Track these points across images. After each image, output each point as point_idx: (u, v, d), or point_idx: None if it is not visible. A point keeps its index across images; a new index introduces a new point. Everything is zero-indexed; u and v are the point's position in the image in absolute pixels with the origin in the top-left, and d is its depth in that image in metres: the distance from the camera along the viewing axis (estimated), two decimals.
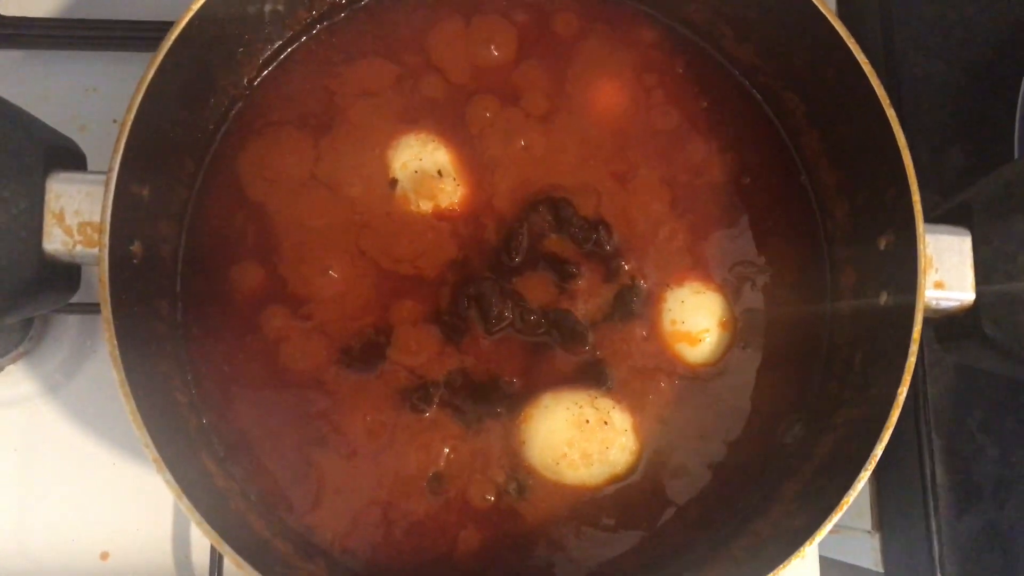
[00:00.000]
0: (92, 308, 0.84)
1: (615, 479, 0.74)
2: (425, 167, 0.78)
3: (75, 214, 0.64)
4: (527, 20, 0.83)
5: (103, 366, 0.88)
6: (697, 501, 0.75)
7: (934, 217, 0.69)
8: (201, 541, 0.86)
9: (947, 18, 0.92)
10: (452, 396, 0.74)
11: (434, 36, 0.82)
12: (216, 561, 0.80)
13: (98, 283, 0.63)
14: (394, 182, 0.78)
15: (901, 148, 0.66)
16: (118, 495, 0.85)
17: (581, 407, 0.74)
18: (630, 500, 0.74)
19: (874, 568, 0.90)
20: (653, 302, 0.77)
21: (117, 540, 0.85)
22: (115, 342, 0.61)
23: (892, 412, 0.63)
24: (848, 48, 0.68)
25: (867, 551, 0.90)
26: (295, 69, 0.80)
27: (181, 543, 0.86)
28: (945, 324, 0.70)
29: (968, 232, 0.68)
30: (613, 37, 0.83)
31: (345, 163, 0.78)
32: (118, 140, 0.63)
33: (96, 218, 0.63)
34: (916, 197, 0.65)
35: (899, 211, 0.67)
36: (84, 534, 0.85)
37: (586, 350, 0.75)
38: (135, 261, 0.67)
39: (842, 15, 0.92)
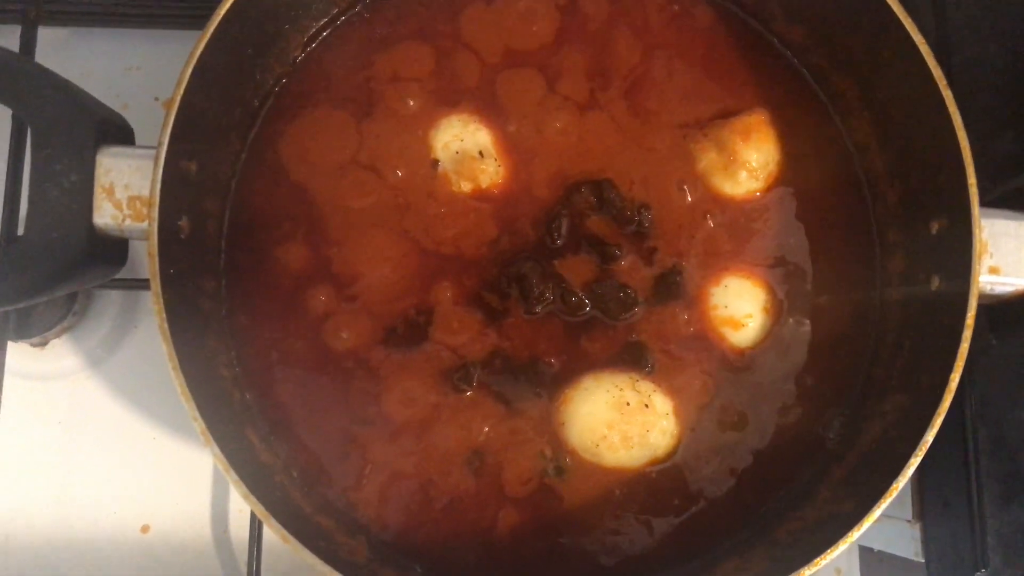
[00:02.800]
0: (135, 284, 0.85)
1: (655, 462, 0.74)
2: (467, 148, 0.77)
3: (125, 188, 0.64)
4: (568, 1, 0.82)
5: (145, 341, 0.89)
6: (738, 486, 0.74)
7: (988, 201, 0.67)
8: (240, 515, 0.86)
9: (1002, 1, 0.89)
10: (492, 376, 0.74)
11: (475, 16, 0.81)
12: (255, 535, 0.81)
13: (147, 257, 0.63)
14: (436, 163, 0.78)
15: (957, 130, 0.64)
16: (158, 469, 0.87)
17: (622, 390, 0.73)
18: (670, 483, 0.74)
19: (914, 558, 0.89)
20: (696, 285, 0.77)
21: (157, 513, 0.86)
22: (164, 315, 0.61)
23: (944, 398, 0.62)
24: (905, 29, 0.67)
25: (907, 541, 0.89)
26: (339, 47, 0.80)
27: (220, 517, 0.87)
28: (998, 310, 0.69)
29: None
30: (658, 18, 0.82)
31: (387, 144, 0.78)
32: (167, 114, 0.64)
33: (145, 192, 0.63)
34: (972, 180, 0.64)
35: (953, 195, 0.66)
36: (125, 507, 0.86)
37: (634, 315, 0.74)
38: (182, 236, 0.67)
39: None
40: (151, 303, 0.87)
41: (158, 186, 0.62)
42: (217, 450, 0.60)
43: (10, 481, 0.86)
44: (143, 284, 0.85)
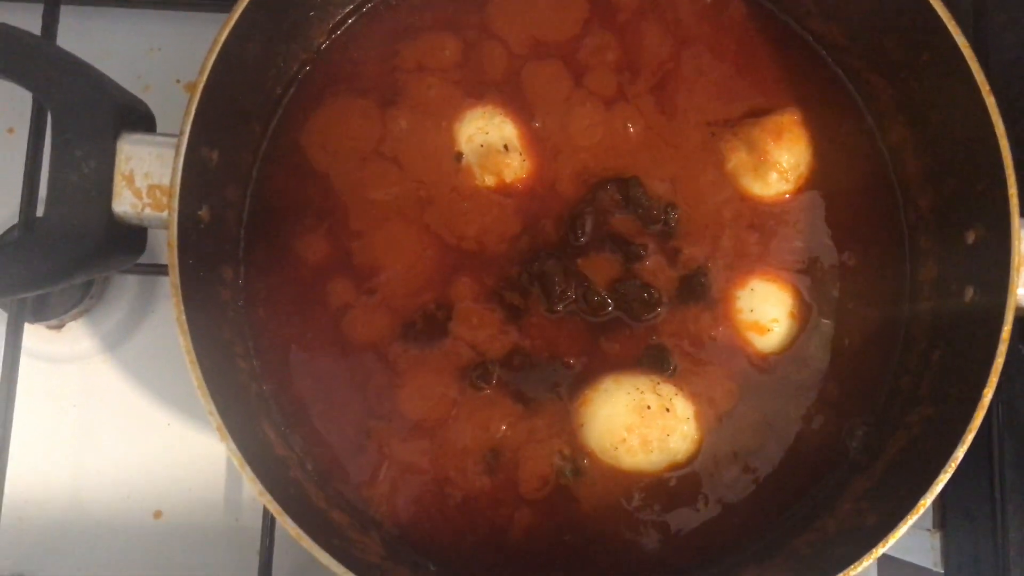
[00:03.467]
0: (152, 269, 0.84)
1: (674, 467, 0.73)
2: (491, 141, 0.76)
3: (145, 176, 0.63)
4: None
5: (161, 326, 0.89)
6: (758, 493, 0.73)
7: None
8: (253, 503, 0.86)
9: None
10: (511, 374, 0.73)
11: (503, 5, 0.80)
12: (268, 524, 0.80)
13: (166, 247, 0.62)
14: (459, 156, 0.76)
15: (1000, 138, 0.62)
16: (172, 455, 0.86)
17: (643, 392, 0.72)
18: (688, 489, 0.73)
19: (933, 568, 0.87)
20: (721, 288, 0.75)
21: (170, 499, 0.86)
22: (182, 307, 0.60)
23: (976, 414, 0.61)
24: (948, 31, 0.65)
25: (927, 550, 0.88)
26: (364, 36, 0.79)
27: (233, 504, 0.86)
28: None
29: None
30: (689, 11, 0.80)
31: (410, 135, 0.77)
32: (190, 103, 0.63)
33: (166, 181, 0.62)
34: (1013, 191, 0.62)
35: (991, 204, 0.64)
36: (138, 492, 0.86)
37: (657, 316, 0.73)
38: (202, 226, 0.66)
39: None
40: (168, 290, 0.88)
41: (179, 175, 0.61)
42: (233, 446, 0.59)
43: (25, 463, 0.85)
44: (161, 269, 0.84)
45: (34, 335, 0.87)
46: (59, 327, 0.88)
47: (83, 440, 0.87)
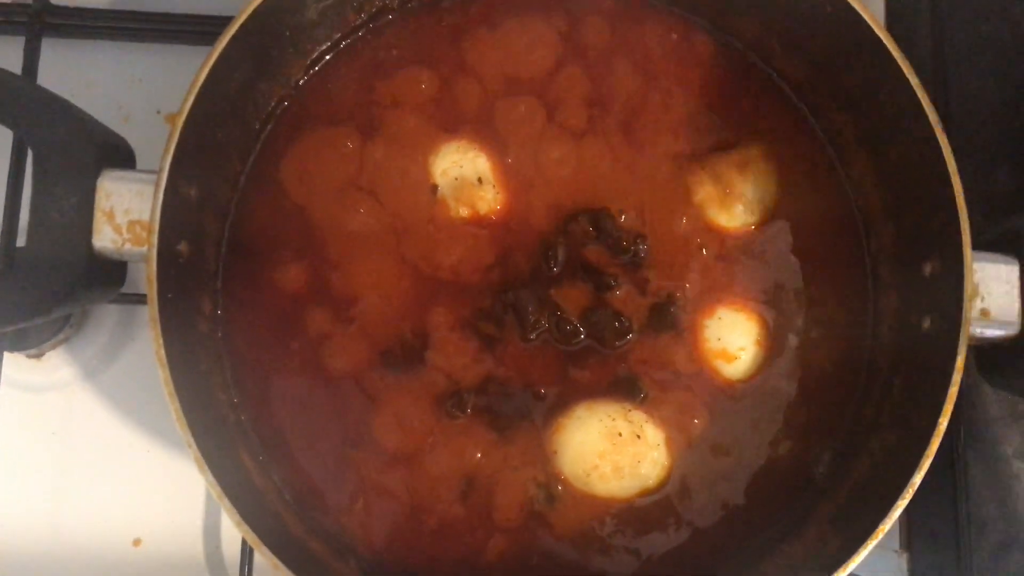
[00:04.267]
0: (132, 298, 0.85)
1: (645, 493, 0.74)
2: (465, 174, 0.78)
3: (125, 212, 0.64)
4: (568, 30, 0.82)
5: (140, 355, 0.90)
6: (727, 518, 0.75)
7: (981, 243, 0.68)
8: (232, 531, 0.86)
9: (1000, 36, 0.90)
10: (486, 403, 0.75)
11: (478, 42, 0.82)
12: (247, 552, 0.81)
13: (145, 281, 0.63)
14: (435, 188, 0.78)
15: (951, 175, 0.65)
16: (151, 482, 0.87)
17: (614, 419, 0.74)
18: (659, 515, 0.74)
19: None
20: (690, 317, 0.77)
21: (149, 527, 0.86)
22: (161, 341, 0.61)
23: (932, 441, 0.62)
24: (901, 71, 0.67)
25: (894, 571, 0.89)
26: (341, 71, 0.81)
27: (212, 532, 0.87)
28: (989, 353, 0.70)
29: (1016, 261, 0.67)
30: (658, 48, 0.83)
31: (386, 169, 0.78)
32: (169, 140, 0.64)
33: (145, 217, 0.64)
34: (965, 226, 0.65)
35: (946, 237, 0.67)
36: (117, 520, 0.86)
37: (628, 343, 0.75)
38: (181, 260, 0.68)
39: (891, 30, 0.90)
40: (148, 321, 0.89)
41: (158, 211, 0.63)
42: (211, 477, 0.60)
43: (3, 492, 0.86)
44: (141, 299, 0.85)
45: (13, 364, 0.87)
46: (38, 356, 0.89)
47: (62, 468, 0.87)
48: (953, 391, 0.62)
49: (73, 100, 0.68)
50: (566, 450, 0.73)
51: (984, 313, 0.66)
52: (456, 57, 0.81)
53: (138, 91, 0.94)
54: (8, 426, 0.86)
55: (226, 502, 0.60)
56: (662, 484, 0.74)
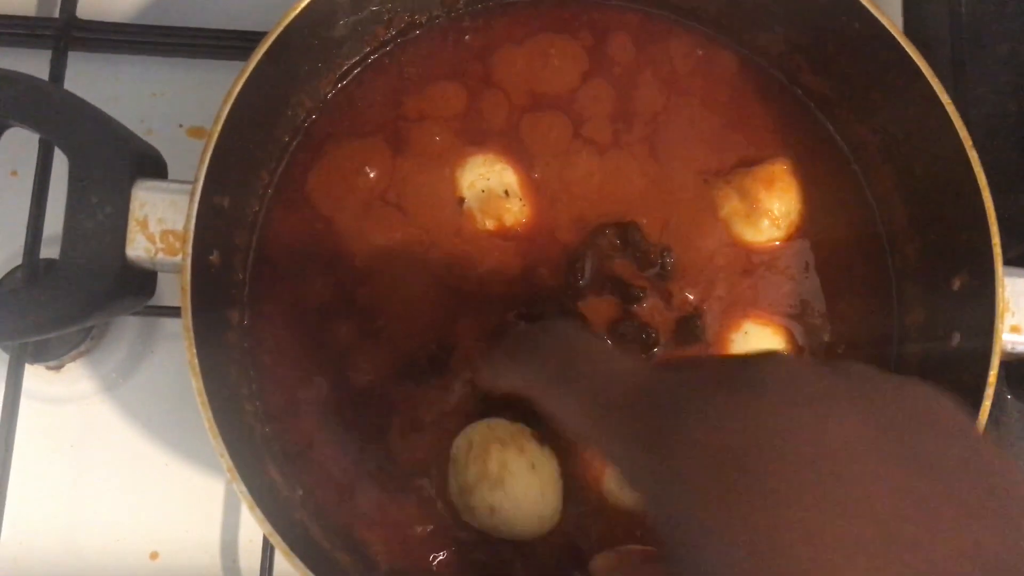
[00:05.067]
0: (154, 311, 0.85)
1: None
2: (492, 187, 0.78)
3: (158, 222, 0.64)
4: (593, 45, 0.83)
5: (160, 368, 0.89)
6: None
7: (1009, 259, 0.68)
8: (250, 544, 0.86)
9: (1021, 56, 0.91)
10: (514, 416, 0.74)
11: (506, 56, 0.82)
12: (266, 565, 0.80)
13: (176, 290, 0.63)
14: (461, 201, 0.79)
15: (982, 190, 0.65)
16: (169, 496, 0.86)
17: None
18: None
19: None
20: (716, 330, 0.77)
21: (167, 541, 0.86)
22: (194, 351, 0.61)
23: None
24: (931, 87, 0.68)
25: None
26: (370, 85, 0.81)
27: (230, 546, 0.86)
28: (1015, 368, 0.70)
29: None
30: (683, 63, 0.83)
31: (413, 182, 0.79)
32: (204, 150, 0.64)
33: (179, 227, 0.64)
34: (996, 240, 0.65)
35: (975, 253, 0.67)
36: (134, 533, 0.85)
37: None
38: (212, 270, 0.68)
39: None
40: (171, 331, 0.89)
41: (193, 221, 0.63)
42: (243, 487, 0.60)
43: (21, 503, 0.85)
44: (162, 311, 0.85)
45: (33, 376, 0.87)
46: (58, 368, 0.89)
47: (80, 480, 0.87)
48: (986, 405, 0.62)
49: None
50: (598, 462, 0.73)
51: (1015, 328, 0.66)
52: (483, 72, 0.82)
53: (160, 105, 0.94)
54: (27, 438, 0.85)
55: (258, 512, 0.60)
56: None
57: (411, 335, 0.76)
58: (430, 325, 0.76)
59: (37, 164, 0.82)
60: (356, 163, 0.79)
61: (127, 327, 0.90)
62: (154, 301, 0.84)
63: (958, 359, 0.69)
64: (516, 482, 0.69)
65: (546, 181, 0.79)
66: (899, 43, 0.69)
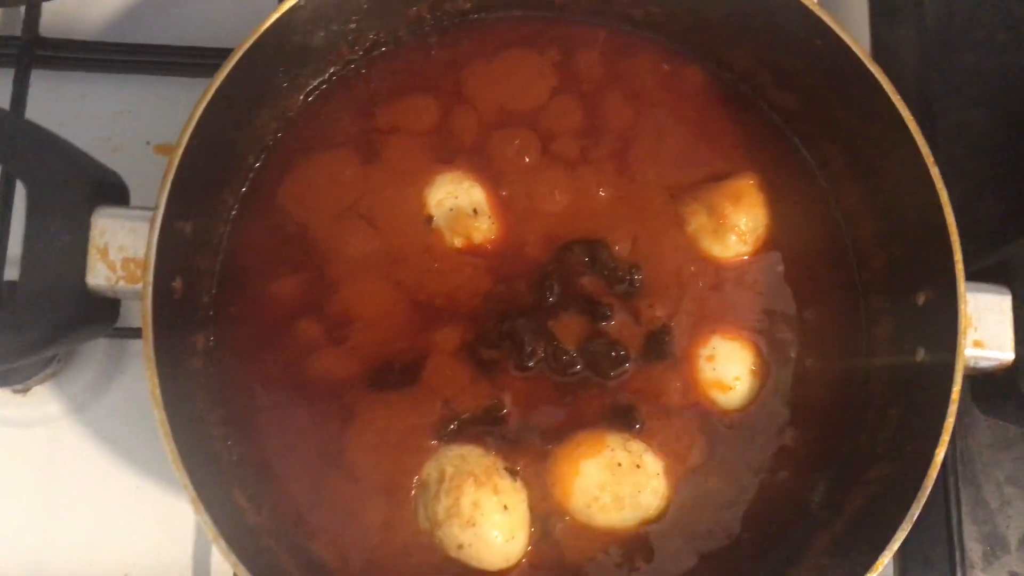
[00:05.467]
0: (121, 332, 0.84)
1: (646, 523, 0.74)
2: (460, 205, 0.78)
3: (119, 250, 0.64)
4: (561, 61, 0.83)
5: (129, 388, 0.89)
6: (726, 549, 0.74)
7: (971, 272, 0.69)
8: (222, 566, 0.85)
9: (985, 66, 0.92)
10: (481, 432, 0.74)
11: (476, 73, 0.82)
12: None
13: (134, 315, 0.63)
14: (430, 219, 0.78)
15: (944, 207, 0.66)
16: (140, 517, 0.85)
17: (613, 450, 0.73)
18: (659, 545, 0.74)
19: None
20: (685, 346, 0.77)
21: (138, 562, 0.85)
22: (156, 380, 0.61)
23: (929, 472, 0.63)
24: (892, 103, 0.68)
25: None
26: (334, 103, 0.81)
27: (202, 567, 0.86)
28: (982, 382, 0.70)
29: (1008, 291, 0.68)
30: (650, 79, 0.83)
31: (382, 198, 0.79)
32: (165, 177, 0.64)
33: (140, 254, 0.63)
34: (958, 256, 0.65)
35: (939, 268, 0.67)
36: (105, 555, 0.85)
37: (624, 372, 0.75)
38: (175, 297, 0.67)
39: (878, 60, 0.91)
40: (140, 351, 0.87)
41: (154, 249, 0.62)
42: (207, 518, 0.59)
43: None
44: (131, 333, 0.84)
45: None
46: (25, 391, 0.88)
47: (50, 504, 0.86)
48: (950, 421, 0.63)
49: (63, 131, 0.67)
50: (566, 481, 0.73)
51: (978, 343, 0.67)
52: (452, 88, 0.82)
53: (127, 122, 0.94)
54: None
55: (221, 542, 0.59)
56: (662, 514, 0.74)
57: (382, 351, 0.76)
58: (399, 339, 0.76)
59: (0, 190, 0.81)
60: (326, 175, 0.79)
61: (95, 349, 0.89)
62: (122, 323, 0.83)
63: (924, 373, 0.69)
64: (488, 524, 0.69)
65: (514, 199, 0.79)
66: (860, 59, 0.69)
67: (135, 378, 0.89)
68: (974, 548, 0.85)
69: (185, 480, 0.59)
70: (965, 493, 0.86)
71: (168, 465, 0.74)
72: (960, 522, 0.85)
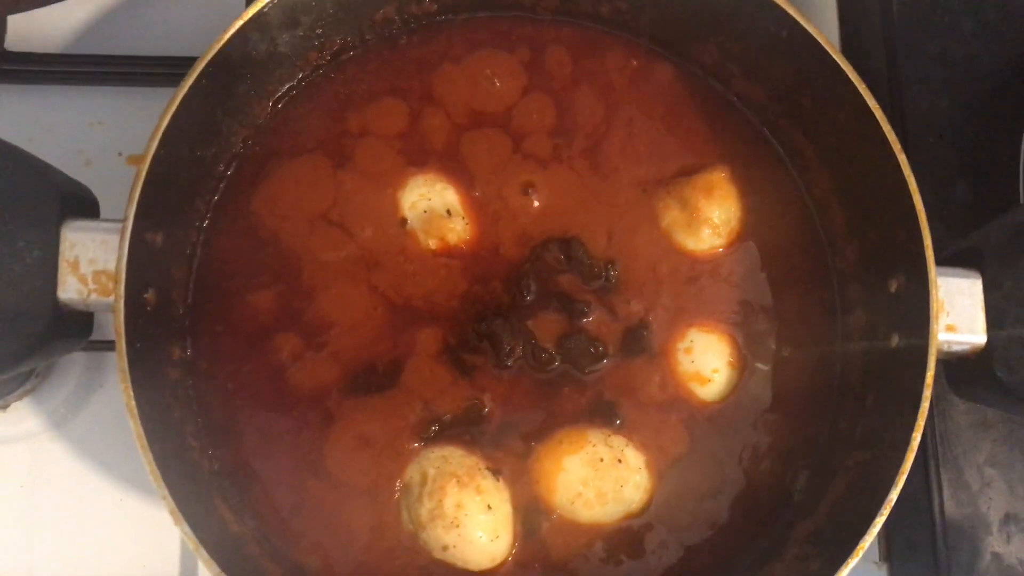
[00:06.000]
0: (98, 345, 0.84)
1: (629, 517, 0.74)
2: (434, 207, 0.78)
3: (90, 263, 0.64)
4: (530, 60, 0.83)
5: (109, 402, 0.88)
6: (710, 540, 0.75)
7: (943, 258, 0.69)
8: None
9: (952, 54, 0.92)
10: (463, 431, 0.74)
11: (445, 76, 0.82)
12: None
13: (111, 327, 0.63)
14: (404, 221, 0.78)
15: (913, 194, 0.66)
16: (124, 530, 0.85)
17: (595, 445, 0.74)
18: (644, 539, 0.74)
19: None
20: (663, 340, 0.78)
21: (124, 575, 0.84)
22: (131, 393, 0.61)
23: (907, 456, 0.63)
24: (858, 93, 0.69)
25: None
26: (305, 108, 0.81)
27: None
28: (956, 366, 0.71)
29: (979, 275, 0.68)
30: (619, 76, 0.84)
31: (355, 202, 0.79)
32: (133, 188, 0.64)
33: (111, 267, 0.63)
34: (928, 242, 0.66)
35: (910, 254, 0.68)
36: (91, 569, 0.84)
37: (603, 367, 0.76)
38: (149, 308, 0.67)
39: (846, 49, 0.93)
40: (116, 365, 0.87)
41: (124, 261, 0.62)
42: (187, 528, 0.59)
43: None
44: (108, 345, 0.83)
45: None
46: (3, 407, 0.87)
47: (32, 520, 0.85)
48: (925, 406, 0.63)
49: (34, 145, 0.67)
50: (548, 478, 0.73)
51: (950, 328, 0.67)
52: (422, 90, 0.82)
53: (98, 134, 0.93)
54: None
55: (203, 553, 0.59)
56: (645, 507, 0.74)
57: (359, 355, 0.76)
58: (378, 344, 0.76)
59: None
60: (298, 181, 0.79)
61: (73, 363, 0.89)
62: (98, 335, 0.82)
63: (899, 359, 0.70)
64: (472, 525, 0.69)
65: (488, 199, 0.79)
66: (825, 49, 0.70)
67: (114, 391, 0.88)
68: (957, 529, 0.86)
69: (164, 491, 0.59)
70: (946, 476, 0.87)
71: (151, 478, 0.73)
72: (942, 504, 0.85)
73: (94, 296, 0.63)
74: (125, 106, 0.93)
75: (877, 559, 0.88)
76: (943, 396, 0.88)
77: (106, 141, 0.92)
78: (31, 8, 0.84)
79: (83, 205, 0.66)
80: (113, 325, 0.62)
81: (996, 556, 0.86)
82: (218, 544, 0.63)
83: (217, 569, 0.59)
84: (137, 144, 0.92)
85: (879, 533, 0.88)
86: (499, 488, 0.72)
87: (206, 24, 0.92)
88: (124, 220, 0.62)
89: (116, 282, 0.62)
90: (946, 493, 0.86)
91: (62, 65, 0.91)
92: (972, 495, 0.87)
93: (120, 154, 0.93)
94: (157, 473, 0.59)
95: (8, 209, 0.61)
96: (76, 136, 0.92)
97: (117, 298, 0.61)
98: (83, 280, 0.63)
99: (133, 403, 0.60)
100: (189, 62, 0.68)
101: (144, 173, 0.63)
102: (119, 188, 0.70)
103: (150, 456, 0.59)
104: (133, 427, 0.60)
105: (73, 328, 0.66)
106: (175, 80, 0.67)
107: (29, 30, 0.92)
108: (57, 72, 0.91)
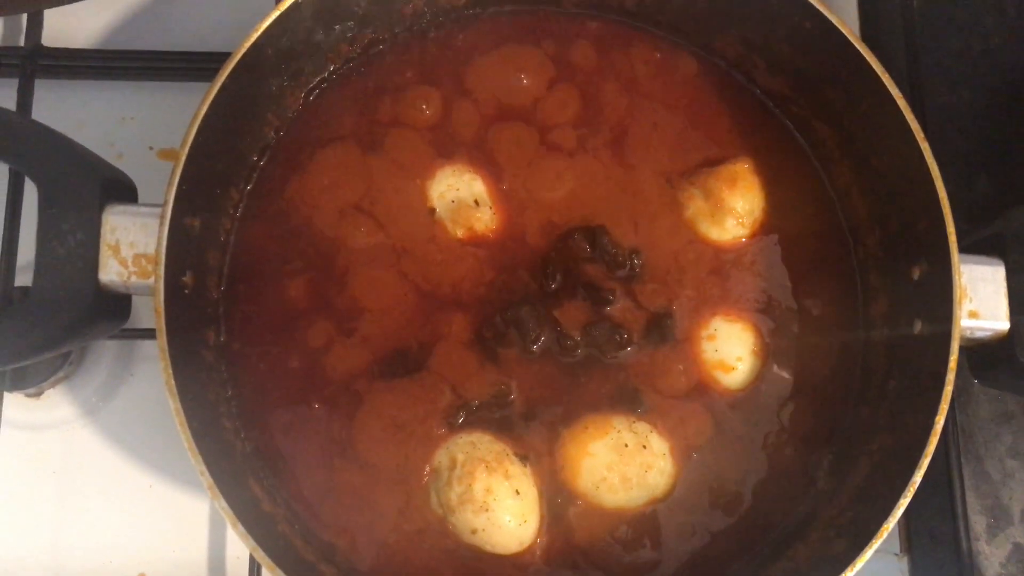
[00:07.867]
0: (132, 333, 0.85)
1: (654, 501, 0.75)
2: (462, 197, 0.79)
3: (130, 246, 0.65)
4: (556, 54, 0.85)
5: (140, 390, 0.90)
6: (734, 525, 0.76)
7: (965, 246, 0.70)
8: (237, 562, 0.86)
9: (972, 48, 0.93)
10: (489, 416, 0.75)
11: (468, 69, 0.84)
12: None
13: (151, 312, 0.64)
14: (432, 211, 0.80)
15: (935, 181, 0.67)
16: (154, 516, 0.86)
17: (620, 431, 0.75)
18: (667, 523, 0.75)
19: None
20: (687, 329, 0.79)
21: (153, 561, 0.86)
22: (171, 371, 0.62)
23: (930, 440, 0.64)
24: (882, 83, 0.70)
25: (895, 574, 0.91)
26: (335, 100, 0.82)
27: (217, 565, 0.87)
28: (978, 353, 0.71)
29: (1001, 262, 0.69)
30: (643, 69, 0.85)
31: (385, 191, 0.80)
32: (172, 173, 0.65)
33: (151, 250, 0.64)
34: (951, 229, 0.67)
35: (932, 242, 0.69)
36: (121, 555, 0.86)
37: (627, 355, 0.76)
38: (186, 291, 0.68)
39: (867, 43, 0.93)
40: (149, 353, 0.89)
41: (164, 244, 0.63)
42: (224, 503, 0.61)
43: (6, 531, 0.85)
44: (140, 334, 0.85)
45: (12, 404, 0.87)
46: (37, 395, 0.89)
47: (64, 506, 0.87)
48: (948, 391, 0.64)
49: None
50: (574, 464, 0.74)
51: (973, 314, 0.68)
52: (452, 83, 0.83)
53: (130, 128, 0.95)
54: (9, 466, 0.86)
55: (240, 527, 0.60)
56: (669, 492, 0.75)
57: (389, 341, 0.77)
58: (407, 331, 0.77)
59: (8, 193, 0.82)
60: (330, 171, 0.80)
61: (105, 351, 0.90)
62: (131, 324, 0.84)
63: (921, 345, 0.70)
64: (501, 509, 0.71)
65: (514, 189, 0.81)
66: (848, 39, 0.71)
67: (145, 379, 0.90)
68: (978, 521, 0.86)
69: (202, 467, 0.60)
70: (967, 467, 0.87)
71: (180, 464, 0.75)
72: (964, 495, 0.85)
73: (134, 279, 0.65)
74: (156, 101, 0.95)
75: (898, 551, 0.89)
76: (964, 389, 0.89)
77: (138, 135, 0.94)
78: (69, 2, 0.86)
79: (123, 190, 0.68)
80: (150, 313, 0.64)
81: (1018, 547, 0.86)
82: (253, 522, 0.64)
83: (253, 543, 0.60)
84: (168, 139, 0.94)
85: (900, 525, 0.90)
86: (526, 473, 0.74)
87: (236, 20, 0.94)
88: (164, 204, 0.64)
89: (156, 264, 0.63)
90: (968, 484, 0.87)
91: (96, 61, 0.93)
92: (993, 486, 0.87)
93: (151, 148, 0.94)
94: (195, 449, 0.60)
95: (53, 194, 0.63)
96: (108, 130, 0.94)
97: (157, 279, 0.63)
98: (123, 263, 0.65)
99: (172, 381, 0.62)
100: (219, 58, 0.70)
101: (184, 158, 0.64)
102: (150, 181, 0.72)
103: (188, 432, 0.61)
104: (172, 404, 0.62)
105: (112, 311, 0.68)
106: (206, 75, 0.69)
107: (65, 26, 0.95)
108: (91, 67, 0.93)
